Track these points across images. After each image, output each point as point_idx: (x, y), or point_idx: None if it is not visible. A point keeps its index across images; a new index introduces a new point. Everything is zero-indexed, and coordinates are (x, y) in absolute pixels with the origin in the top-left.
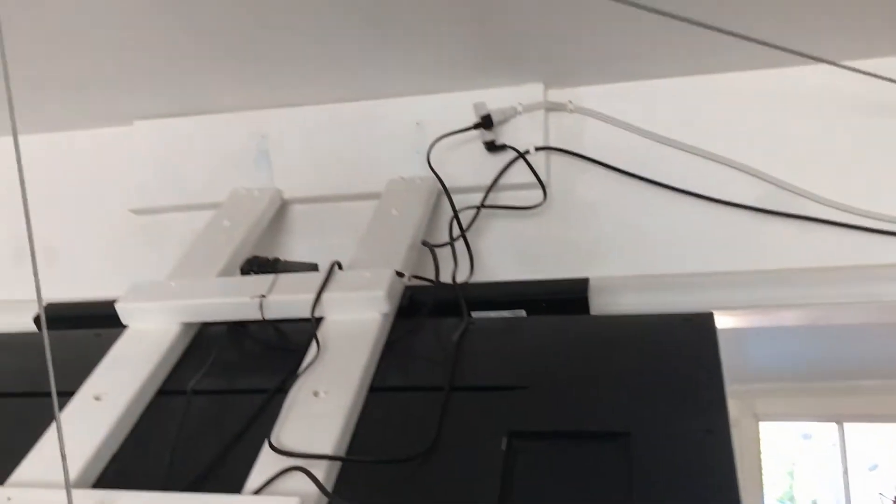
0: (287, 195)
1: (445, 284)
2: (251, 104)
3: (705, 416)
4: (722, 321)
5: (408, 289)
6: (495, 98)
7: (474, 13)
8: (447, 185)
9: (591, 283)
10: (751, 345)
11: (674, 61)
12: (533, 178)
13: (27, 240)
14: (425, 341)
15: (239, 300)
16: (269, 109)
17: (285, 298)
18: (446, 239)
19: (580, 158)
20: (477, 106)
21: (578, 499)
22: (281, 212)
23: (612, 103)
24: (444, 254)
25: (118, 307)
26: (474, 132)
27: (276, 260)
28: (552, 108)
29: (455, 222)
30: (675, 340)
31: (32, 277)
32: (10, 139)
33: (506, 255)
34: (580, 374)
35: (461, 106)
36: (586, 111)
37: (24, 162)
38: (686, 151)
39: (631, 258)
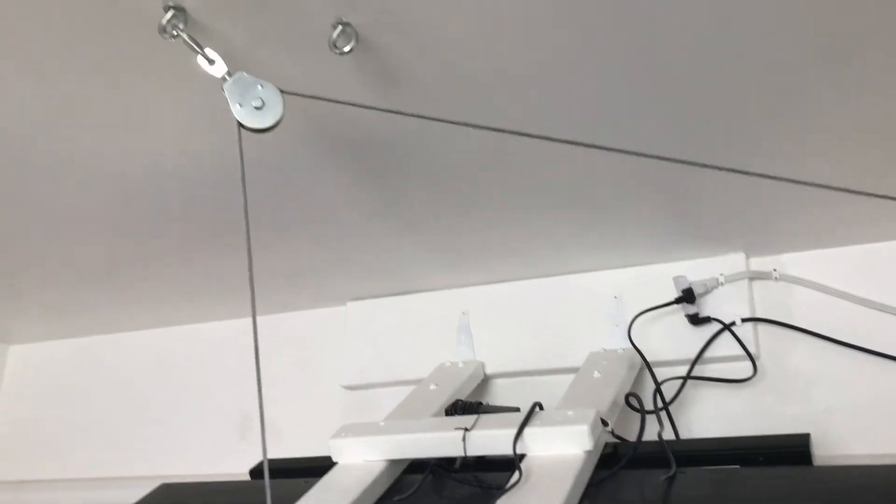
0: (489, 369)
1: (650, 441)
2: (454, 283)
3: None
4: None
5: (608, 444)
6: (695, 269)
7: (671, 191)
8: (649, 358)
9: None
10: None
11: (889, 224)
12: (741, 351)
13: (250, 417)
14: (630, 485)
15: (442, 434)
16: (471, 287)
17: (488, 433)
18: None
19: (790, 329)
20: (677, 280)
21: None
22: (483, 384)
23: (821, 269)
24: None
25: (330, 443)
26: (676, 305)
27: (479, 403)
28: (756, 276)
29: (658, 395)
30: None
31: (255, 450)
32: (235, 322)
33: (713, 429)
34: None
35: (660, 277)
36: (793, 279)
37: (245, 341)
38: None
39: (857, 436)
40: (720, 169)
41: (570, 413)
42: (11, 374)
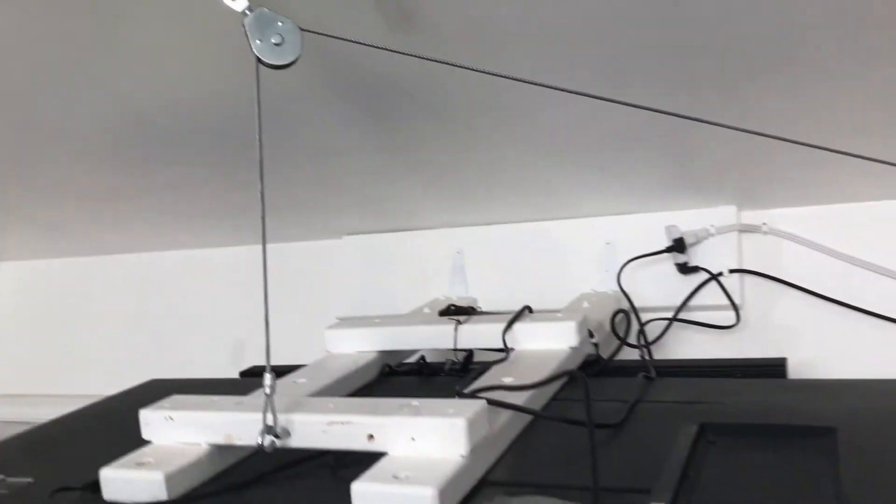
0: (481, 307)
1: (632, 360)
2: (450, 222)
3: None
4: None
5: (591, 355)
6: (686, 219)
7: (667, 142)
8: (637, 303)
9: None
10: None
11: (873, 186)
12: (726, 300)
13: (243, 344)
14: (611, 385)
15: (435, 327)
16: (466, 227)
17: (479, 327)
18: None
19: (775, 281)
20: (669, 229)
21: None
22: None
23: (809, 225)
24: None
25: (325, 333)
26: (666, 254)
27: (472, 308)
28: (745, 229)
29: (642, 334)
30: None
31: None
32: (235, 249)
33: None
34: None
35: (651, 226)
36: (781, 233)
37: (247, 268)
38: (889, 277)
39: None
40: (713, 124)
41: (559, 314)
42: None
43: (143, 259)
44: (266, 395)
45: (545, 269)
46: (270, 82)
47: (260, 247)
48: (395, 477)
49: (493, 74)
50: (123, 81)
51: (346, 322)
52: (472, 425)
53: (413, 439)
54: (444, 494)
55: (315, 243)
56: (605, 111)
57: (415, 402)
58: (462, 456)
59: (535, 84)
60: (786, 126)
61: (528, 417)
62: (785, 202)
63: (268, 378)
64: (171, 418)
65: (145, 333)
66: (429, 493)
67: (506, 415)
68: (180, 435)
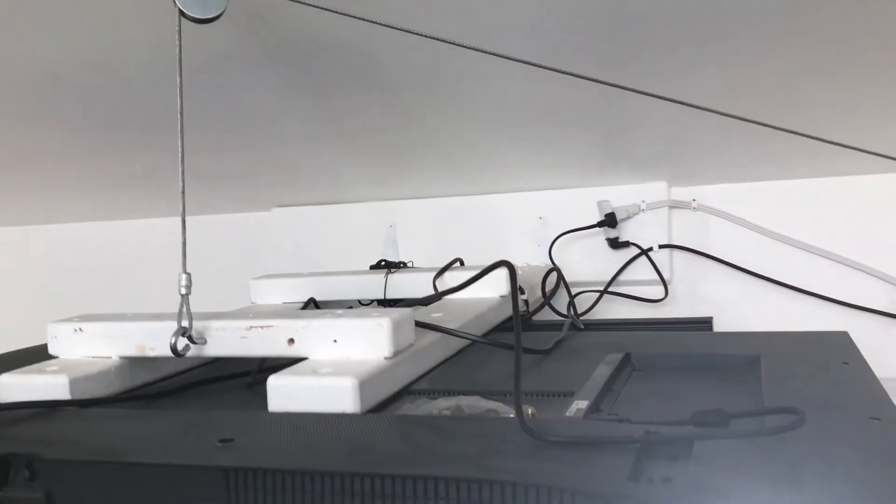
0: None
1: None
2: (382, 195)
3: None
4: None
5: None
6: (618, 195)
7: (602, 117)
8: (568, 278)
9: None
10: None
11: (801, 164)
12: (656, 275)
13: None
14: (542, 336)
15: (364, 276)
16: (399, 200)
17: (410, 276)
18: None
19: (703, 256)
20: (601, 204)
21: None
22: None
23: (738, 202)
24: None
25: (251, 283)
26: (598, 228)
27: (403, 263)
28: (676, 205)
29: (572, 306)
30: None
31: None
32: (162, 220)
33: None
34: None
35: (584, 201)
36: (710, 210)
37: (170, 239)
38: (813, 253)
39: None
40: (648, 94)
41: (489, 266)
42: None
43: (64, 230)
44: (181, 294)
45: (479, 243)
46: (193, 40)
47: (189, 219)
48: (315, 372)
49: (430, 37)
50: (34, 38)
51: (275, 274)
52: (396, 327)
53: (335, 341)
54: (364, 387)
55: (243, 215)
56: (540, 83)
57: (338, 311)
58: (386, 358)
59: (471, 49)
60: (717, 102)
61: (456, 343)
62: (714, 179)
63: (183, 278)
64: (81, 329)
65: (63, 308)
66: (349, 384)
67: (433, 334)
68: (90, 348)
